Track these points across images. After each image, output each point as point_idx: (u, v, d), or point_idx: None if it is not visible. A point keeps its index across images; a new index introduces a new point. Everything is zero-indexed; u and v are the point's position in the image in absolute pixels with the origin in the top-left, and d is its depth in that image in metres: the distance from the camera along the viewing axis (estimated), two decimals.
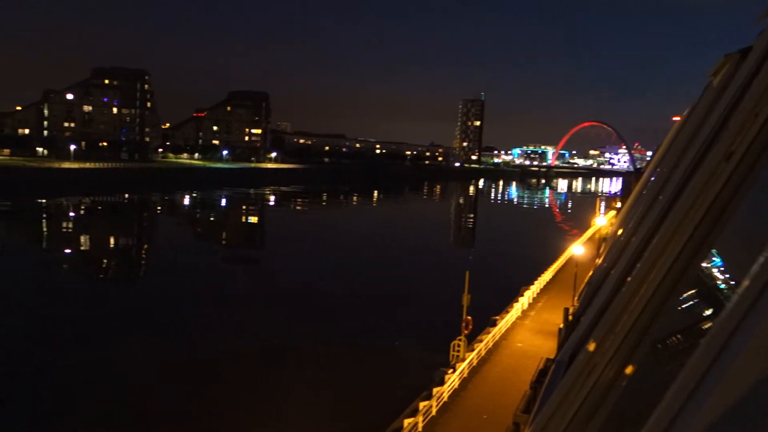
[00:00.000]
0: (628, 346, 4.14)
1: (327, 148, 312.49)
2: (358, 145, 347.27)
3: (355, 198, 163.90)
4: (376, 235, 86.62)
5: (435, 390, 21.98)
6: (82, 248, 69.30)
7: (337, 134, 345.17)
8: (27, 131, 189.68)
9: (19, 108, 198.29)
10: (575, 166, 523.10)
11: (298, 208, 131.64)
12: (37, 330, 35.24)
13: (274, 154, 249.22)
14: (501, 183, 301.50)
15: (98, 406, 25.56)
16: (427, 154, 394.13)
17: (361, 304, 45.22)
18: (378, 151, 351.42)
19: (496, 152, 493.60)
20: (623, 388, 4.07)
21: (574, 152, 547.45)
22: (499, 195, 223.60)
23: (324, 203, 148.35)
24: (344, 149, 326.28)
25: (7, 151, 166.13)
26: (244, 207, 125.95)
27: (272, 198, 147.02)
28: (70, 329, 35.65)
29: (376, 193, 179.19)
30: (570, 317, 26.96)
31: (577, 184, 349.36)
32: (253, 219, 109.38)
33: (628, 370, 4.11)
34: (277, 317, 39.85)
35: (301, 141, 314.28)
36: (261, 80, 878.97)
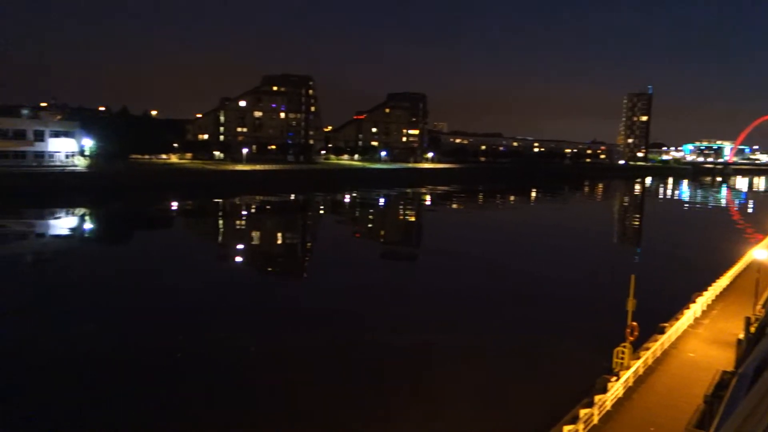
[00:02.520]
0: None
1: (483, 147, 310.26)
2: (515, 143, 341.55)
3: (511, 197, 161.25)
4: (533, 235, 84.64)
5: (597, 398, 21.06)
6: (252, 243, 74.24)
7: (494, 133, 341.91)
8: (206, 136, 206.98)
9: (199, 115, 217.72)
10: (757, 162, 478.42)
11: (453, 206, 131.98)
12: (211, 316, 38.24)
13: (430, 154, 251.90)
14: (670, 181, 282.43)
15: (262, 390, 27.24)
16: (589, 151, 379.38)
17: (518, 303, 44.43)
18: (536, 150, 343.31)
19: (664, 149, 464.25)
20: None
21: (755, 147, 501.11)
22: (668, 194, 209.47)
23: (480, 202, 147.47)
24: (501, 148, 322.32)
25: (189, 155, 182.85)
26: (401, 206, 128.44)
27: (428, 197, 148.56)
28: (238, 318, 38.33)
29: (533, 193, 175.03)
30: (752, 327, 24.69)
31: (760, 182, 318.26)
32: (410, 217, 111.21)
33: None
34: (431, 313, 40.18)
35: (458, 140, 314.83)
36: (418, 81, 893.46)
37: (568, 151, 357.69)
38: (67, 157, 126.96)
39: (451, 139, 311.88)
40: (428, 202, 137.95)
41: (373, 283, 49.98)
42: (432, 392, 26.97)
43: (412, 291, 48.11)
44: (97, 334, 34.08)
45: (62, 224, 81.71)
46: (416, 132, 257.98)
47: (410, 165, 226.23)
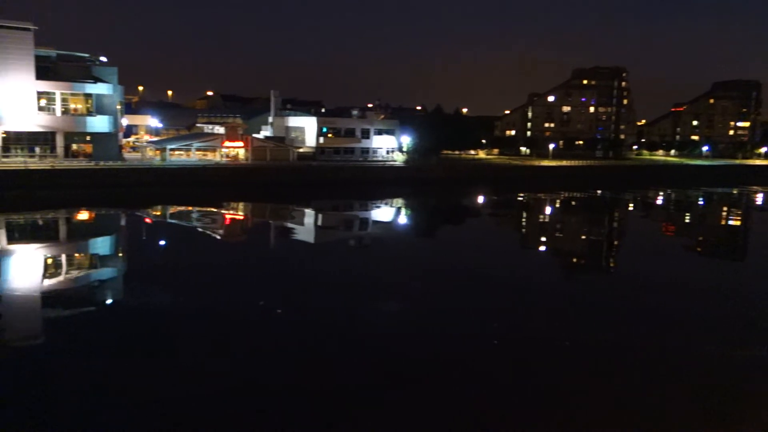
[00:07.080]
0: None
1: None
2: None
3: None
4: None
5: None
6: (556, 238, 73.75)
7: None
8: (513, 132, 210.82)
9: (507, 112, 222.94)
10: None
11: None
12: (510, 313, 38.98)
13: (763, 149, 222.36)
14: None
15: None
16: None
17: None
18: None
19: None
20: None
21: None
22: None
23: None
24: None
25: (496, 150, 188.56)
26: (723, 208, 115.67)
27: (759, 198, 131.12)
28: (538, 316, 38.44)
29: None
30: None
31: None
32: (735, 221, 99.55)
33: None
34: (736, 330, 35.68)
35: None
36: (751, 66, 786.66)
37: None
38: (387, 152, 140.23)
39: None
40: (758, 204, 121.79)
41: (674, 288, 46.00)
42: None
43: (719, 299, 43.15)
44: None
45: (385, 213, 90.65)
46: (746, 124, 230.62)
47: (738, 161, 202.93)
